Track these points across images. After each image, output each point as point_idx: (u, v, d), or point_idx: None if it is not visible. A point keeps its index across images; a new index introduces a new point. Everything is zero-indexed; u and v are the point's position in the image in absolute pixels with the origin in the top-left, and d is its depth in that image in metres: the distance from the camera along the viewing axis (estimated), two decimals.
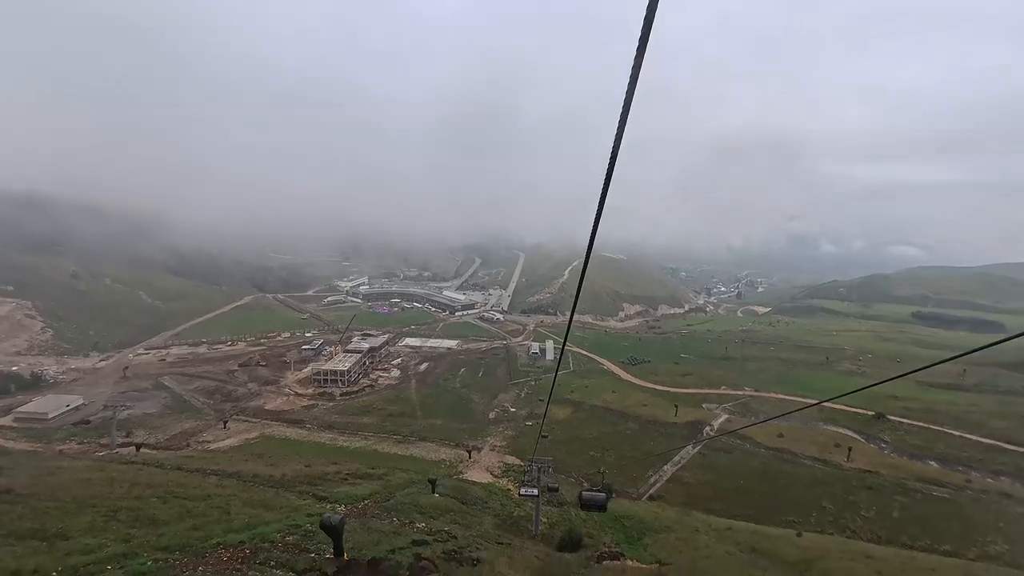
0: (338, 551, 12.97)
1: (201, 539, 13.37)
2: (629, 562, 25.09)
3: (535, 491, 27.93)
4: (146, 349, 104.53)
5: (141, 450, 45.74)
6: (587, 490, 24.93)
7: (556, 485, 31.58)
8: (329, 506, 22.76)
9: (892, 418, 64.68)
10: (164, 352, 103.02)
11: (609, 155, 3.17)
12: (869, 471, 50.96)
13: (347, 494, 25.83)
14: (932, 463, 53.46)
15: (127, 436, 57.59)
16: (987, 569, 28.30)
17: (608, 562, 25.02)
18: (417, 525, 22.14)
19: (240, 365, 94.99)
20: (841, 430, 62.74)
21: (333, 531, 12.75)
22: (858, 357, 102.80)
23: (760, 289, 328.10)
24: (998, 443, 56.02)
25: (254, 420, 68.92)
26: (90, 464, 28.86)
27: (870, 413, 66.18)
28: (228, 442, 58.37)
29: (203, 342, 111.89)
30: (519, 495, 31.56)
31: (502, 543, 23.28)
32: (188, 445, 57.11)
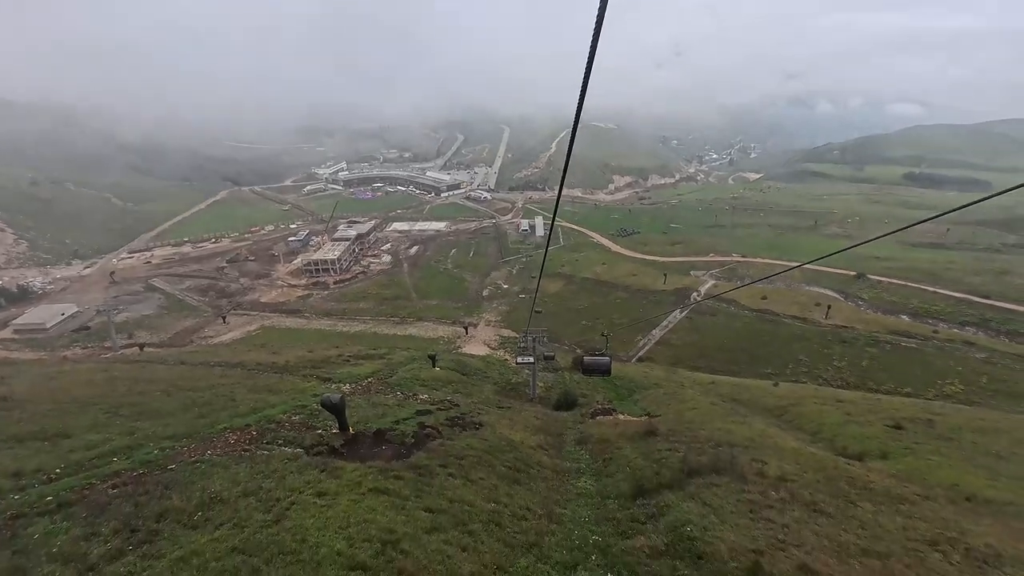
0: (343, 426, 13.33)
1: (207, 426, 13.60)
2: (621, 416, 27.14)
3: (531, 359, 29.15)
4: (129, 253, 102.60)
5: (145, 349, 46.70)
6: (589, 354, 22.63)
7: (552, 353, 32.98)
8: (334, 386, 23.51)
9: (873, 277, 66.88)
10: (148, 255, 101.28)
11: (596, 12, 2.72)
12: (845, 326, 53.99)
13: (350, 374, 26.71)
14: (904, 317, 56.46)
15: (130, 338, 58.60)
16: (943, 406, 31.09)
17: (601, 417, 27.07)
18: (420, 397, 23.14)
19: (228, 261, 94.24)
20: (823, 290, 65.26)
21: (334, 408, 12.96)
22: (846, 220, 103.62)
23: (753, 155, 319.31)
24: (968, 296, 58.53)
25: (252, 313, 70.15)
26: (93, 366, 29.24)
27: (851, 273, 68.25)
28: (230, 336, 59.85)
29: (186, 241, 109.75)
30: (516, 363, 33.06)
31: (502, 407, 24.68)
32: (191, 341, 58.53)
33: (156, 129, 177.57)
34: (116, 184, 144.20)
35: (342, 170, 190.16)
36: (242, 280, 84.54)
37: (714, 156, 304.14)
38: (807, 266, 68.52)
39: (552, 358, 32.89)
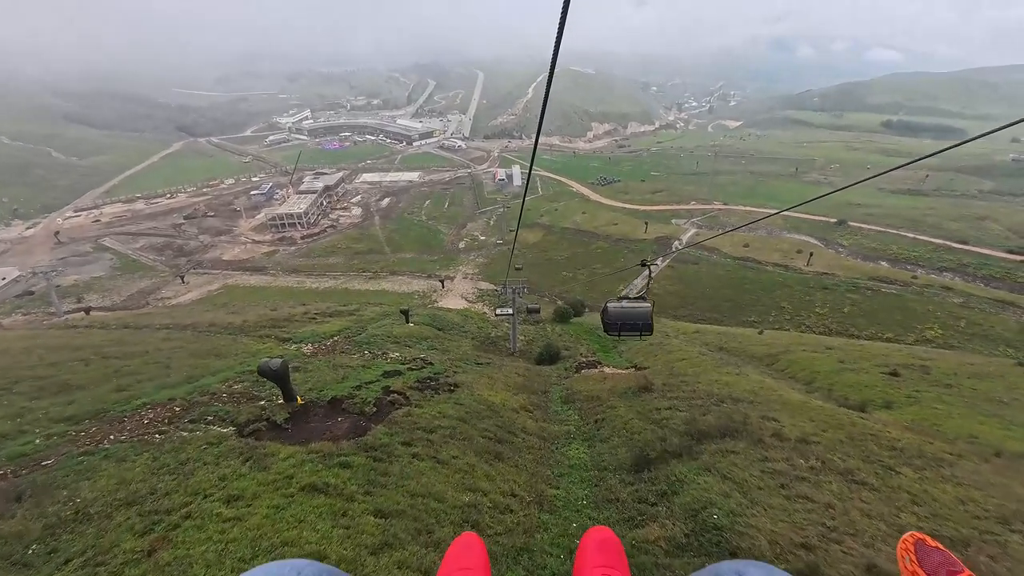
0: (287, 396, 11.11)
1: (123, 401, 11.20)
2: (607, 369, 25.74)
3: (510, 310, 27.38)
4: (75, 211, 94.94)
5: (92, 313, 43.05)
6: (618, 300, 11.44)
7: (536, 306, 31.11)
8: (294, 346, 21.18)
9: (853, 224, 66.50)
10: (97, 212, 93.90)
11: None
12: (826, 273, 53.63)
13: (313, 332, 24.26)
14: (883, 263, 56.38)
15: (79, 302, 54.45)
16: (927, 351, 30.75)
17: (586, 370, 25.65)
18: (391, 355, 21.08)
19: (186, 218, 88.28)
20: (804, 237, 64.69)
21: (275, 376, 10.66)
22: (827, 167, 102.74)
23: (733, 103, 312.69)
24: (947, 243, 58.72)
25: (214, 272, 65.99)
26: (21, 334, 26.02)
27: (832, 220, 67.70)
28: (189, 296, 56.13)
29: (138, 197, 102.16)
30: (496, 315, 31.32)
31: (481, 363, 22.93)
32: (147, 303, 54.70)
33: (94, 74, 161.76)
34: (56, 136, 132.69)
35: (306, 118, 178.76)
36: (201, 237, 79.24)
37: (694, 104, 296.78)
38: (788, 213, 67.99)
39: (537, 311, 30.96)
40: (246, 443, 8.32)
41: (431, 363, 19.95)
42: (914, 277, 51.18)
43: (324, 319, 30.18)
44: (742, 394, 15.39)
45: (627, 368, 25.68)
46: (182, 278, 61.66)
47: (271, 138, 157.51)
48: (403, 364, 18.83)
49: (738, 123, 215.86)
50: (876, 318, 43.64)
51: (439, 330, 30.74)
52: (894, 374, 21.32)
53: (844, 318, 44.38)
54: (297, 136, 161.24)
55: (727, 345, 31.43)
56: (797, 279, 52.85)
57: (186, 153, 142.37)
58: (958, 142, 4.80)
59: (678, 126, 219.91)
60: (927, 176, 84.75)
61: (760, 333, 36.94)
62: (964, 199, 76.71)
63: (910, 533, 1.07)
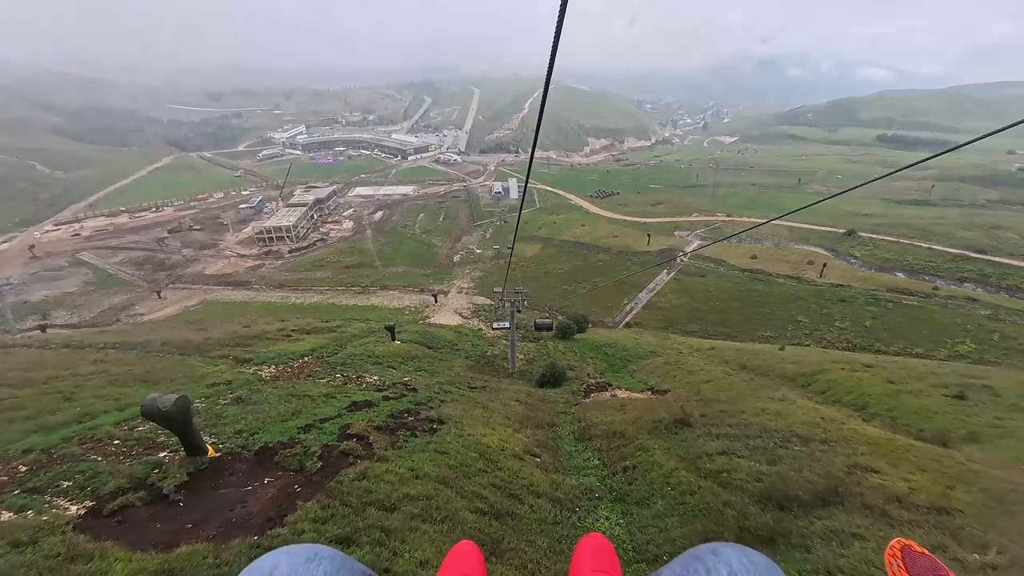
0: (191, 448, 7.72)
1: None
2: (620, 392, 22.43)
3: (506, 324, 24.18)
4: (55, 225, 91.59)
5: (48, 331, 39.38)
6: None
7: (547, 320, 27.68)
8: (253, 369, 17.76)
9: (863, 234, 63.95)
10: (77, 226, 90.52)
11: None
12: (841, 285, 50.70)
13: (280, 352, 20.79)
14: (899, 274, 53.54)
15: (44, 319, 50.79)
16: (968, 367, 27.65)
17: (596, 394, 22.36)
18: (368, 379, 17.75)
19: (170, 231, 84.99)
20: (813, 249, 61.99)
21: (166, 421, 7.31)
22: (830, 177, 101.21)
23: (726, 120, 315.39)
24: (964, 252, 56.02)
25: (194, 286, 62.41)
26: None
27: (841, 231, 65.32)
28: (165, 312, 52.49)
29: (122, 211, 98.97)
30: (492, 329, 28.09)
31: (475, 387, 19.66)
32: (118, 320, 50.98)
33: (84, 89, 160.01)
34: (41, 149, 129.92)
35: (300, 133, 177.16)
36: (185, 251, 75.75)
37: (688, 120, 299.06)
38: (796, 224, 65.21)
39: (548, 327, 27.48)
40: (71, 544, 4.91)
41: (415, 389, 16.63)
42: (935, 288, 48.27)
43: (300, 336, 26.74)
44: (803, 428, 12.06)
45: (643, 391, 22.35)
46: (158, 293, 58.03)
47: (264, 152, 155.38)
48: (380, 391, 15.50)
49: (733, 139, 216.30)
50: (901, 332, 40.53)
51: (429, 348, 27.38)
52: (960, 396, 18.05)
53: (867, 332, 41.24)
54: (291, 151, 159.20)
55: (749, 363, 28.14)
56: (811, 291, 49.87)
57: (176, 167, 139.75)
58: (956, 145, 4.87)
59: (674, 141, 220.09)
60: (933, 186, 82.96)
61: (781, 349, 33.69)
62: (972, 208, 74.66)
63: (896, 540, 1.06)
